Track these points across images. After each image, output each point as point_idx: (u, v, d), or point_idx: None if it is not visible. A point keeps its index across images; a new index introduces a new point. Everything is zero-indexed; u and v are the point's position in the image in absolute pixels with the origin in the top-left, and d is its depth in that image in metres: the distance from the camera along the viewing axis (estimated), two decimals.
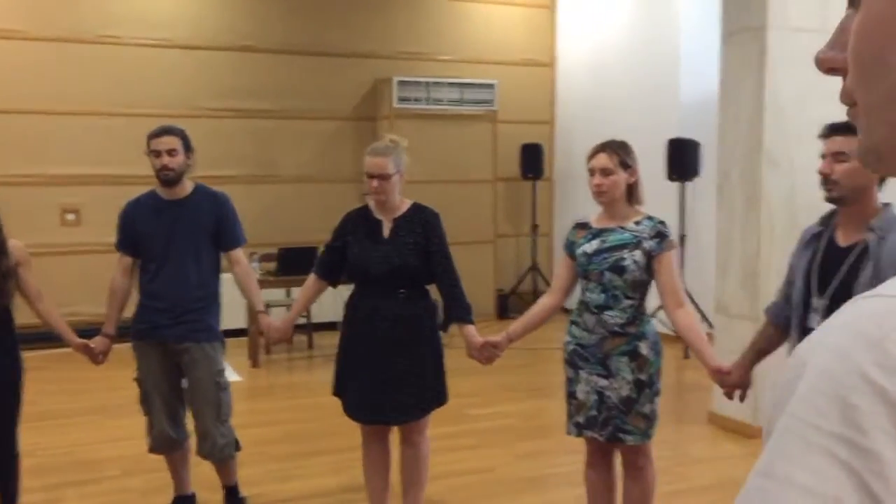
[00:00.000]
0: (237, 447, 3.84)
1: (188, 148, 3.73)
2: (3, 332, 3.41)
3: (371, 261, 3.45)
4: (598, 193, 3.15)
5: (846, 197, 2.46)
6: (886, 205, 2.50)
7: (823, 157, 2.51)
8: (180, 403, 3.79)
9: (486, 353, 3.43)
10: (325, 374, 6.73)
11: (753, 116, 4.95)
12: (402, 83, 8.24)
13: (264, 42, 8.07)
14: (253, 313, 3.99)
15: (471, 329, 3.49)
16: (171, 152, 3.65)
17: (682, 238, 7.39)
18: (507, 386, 6.23)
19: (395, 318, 3.43)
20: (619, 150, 3.14)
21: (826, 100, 5.22)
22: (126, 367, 3.88)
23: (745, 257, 5.06)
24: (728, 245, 5.17)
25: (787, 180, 4.96)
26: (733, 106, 5.10)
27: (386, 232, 3.51)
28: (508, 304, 8.78)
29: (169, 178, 3.67)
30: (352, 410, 3.55)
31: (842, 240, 2.52)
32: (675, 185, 7.37)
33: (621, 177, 3.13)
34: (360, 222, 3.57)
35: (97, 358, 3.75)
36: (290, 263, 6.89)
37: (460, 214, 8.72)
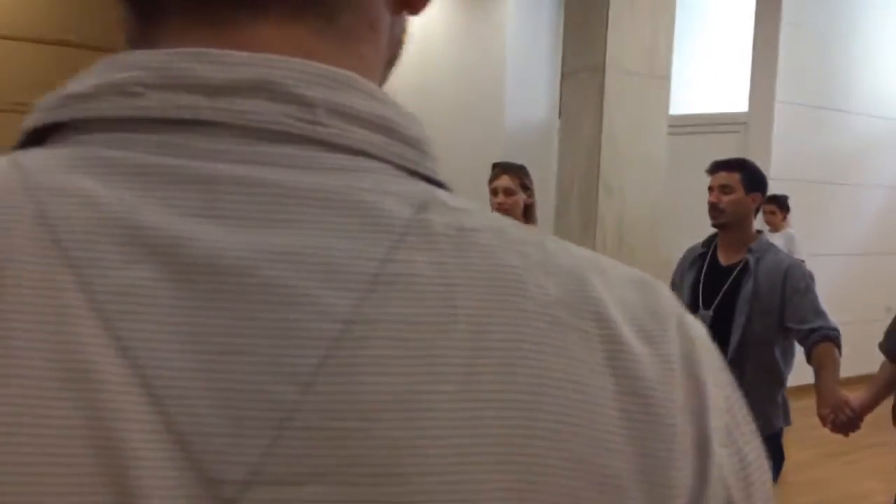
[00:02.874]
0: None
1: None
2: None
3: None
4: (501, 213, 3.42)
5: (731, 223, 2.90)
6: (759, 231, 2.97)
7: (711, 189, 2.94)
8: None
9: None
10: None
11: (592, 147, 5.47)
12: None
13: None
14: None
15: None
16: None
17: None
18: None
19: None
20: (520, 173, 3.44)
21: (648, 135, 5.89)
22: None
23: None
24: None
25: (619, 205, 5.54)
26: (573, 137, 5.61)
27: None
28: None
29: None
30: None
31: (723, 260, 2.96)
32: None
33: (521, 197, 3.43)
34: None
35: None
36: None
37: None
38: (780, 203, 6.50)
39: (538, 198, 7.77)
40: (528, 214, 3.48)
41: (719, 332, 2.88)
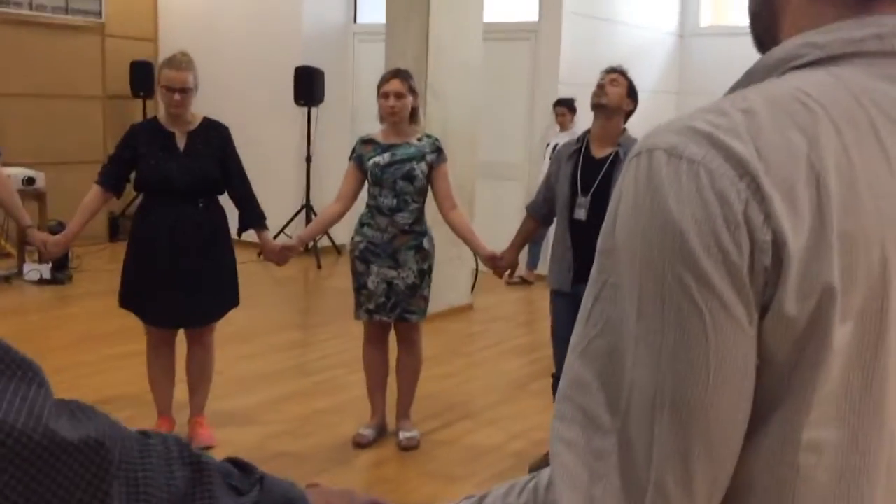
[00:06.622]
0: None
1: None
2: None
3: (172, 172, 3.56)
4: (391, 114, 3.71)
5: (608, 107, 3.43)
6: (624, 129, 3.54)
7: (601, 86, 3.46)
8: None
9: (282, 255, 3.81)
10: None
11: (419, 54, 5.80)
12: None
13: None
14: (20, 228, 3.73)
15: (267, 234, 3.82)
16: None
17: (308, 159, 8.07)
18: None
19: (196, 226, 3.61)
20: (408, 78, 3.73)
21: (467, 42, 6.42)
22: None
23: None
24: None
25: (444, 110, 5.95)
26: (399, 43, 5.89)
27: (181, 145, 3.63)
28: (119, 226, 8.59)
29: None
30: (154, 317, 3.65)
31: (596, 153, 3.50)
32: (301, 111, 7.98)
33: (409, 100, 3.73)
34: (151, 135, 3.62)
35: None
36: None
37: (69, 132, 8.25)
38: (569, 105, 7.26)
39: (339, 100, 8.04)
40: (413, 116, 3.80)
41: (597, 213, 3.43)
